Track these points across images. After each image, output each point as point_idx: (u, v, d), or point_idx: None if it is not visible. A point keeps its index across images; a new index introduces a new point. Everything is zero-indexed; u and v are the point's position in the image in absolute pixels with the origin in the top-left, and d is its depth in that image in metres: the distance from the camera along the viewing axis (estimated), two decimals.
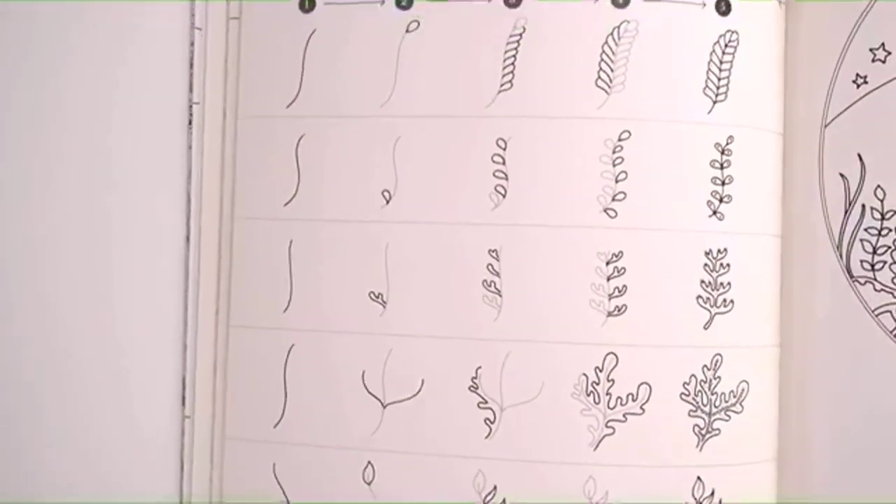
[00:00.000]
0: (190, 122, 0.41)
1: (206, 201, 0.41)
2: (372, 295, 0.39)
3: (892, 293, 0.38)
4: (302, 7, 0.40)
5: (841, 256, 0.39)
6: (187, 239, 0.41)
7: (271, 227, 0.40)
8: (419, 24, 0.39)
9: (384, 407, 0.39)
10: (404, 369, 0.39)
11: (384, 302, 0.39)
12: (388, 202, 0.39)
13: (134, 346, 0.41)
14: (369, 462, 0.39)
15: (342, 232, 0.39)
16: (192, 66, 0.41)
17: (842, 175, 0.39)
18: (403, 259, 0.39)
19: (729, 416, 0.38)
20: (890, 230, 0.38)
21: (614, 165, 0.38)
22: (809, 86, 0.39)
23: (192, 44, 0.41)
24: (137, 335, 0.41)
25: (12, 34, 0.40)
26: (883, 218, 0.38)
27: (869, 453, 0.38)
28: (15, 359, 0.40)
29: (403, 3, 0.39)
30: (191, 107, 0.41)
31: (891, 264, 0.38)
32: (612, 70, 0.38)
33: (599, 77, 0.38)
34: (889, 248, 0.38)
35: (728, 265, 0.38)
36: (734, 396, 0.38)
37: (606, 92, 0.38)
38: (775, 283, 0.39)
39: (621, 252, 0.37)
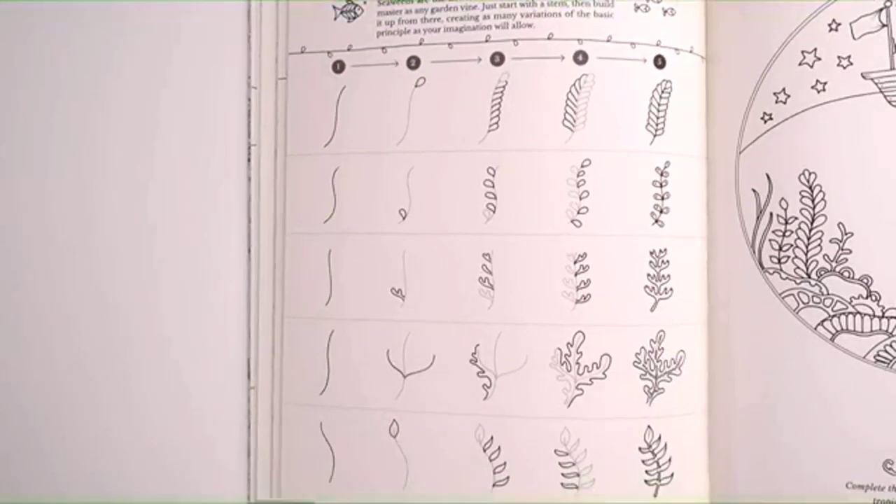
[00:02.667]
0: (249, 160, 0.42)
1: (263, 221, 0.42)
2: (393, 290, 0.40)
3: (794, 280, 0.39)
4: (334, 69, 0.41)
5: (754, 253, 0.40)
6: (248, 250, 0.42)
7: (314, 240, 0.41)
8: (425, 80, 0.40)
9: (405, 377, 0.40)
10: (420, 348, 0.39)
11: (403, 296, 0.40)
12: (404, 218, 0.40)
13: (213, 335, 0.42)
14: (394, 420, 0.40)
15: (369, 242, 0.40)
16: (249, 115, 0.42)
17: (754, 190, 0.40)
18: (417, 262, 0.40)
19: (671, 378, 0.39)
20: (792, 232, 0.39)
21: (578, 186, 0.39)
22: (727, 121, 0.40)
23: (249, 99, 0.42)
24: (217, 326, 0.42)
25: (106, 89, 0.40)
26: (786, 223, 0.39)
27: (778, 405, 0.39)
28: (119, 352, 0.41)
29: (413, 64, 0.40)
30: (249, 148, 0.42)
31: (793, 258, 0.39)
32: (575, 112, 0.39)
33: (565, 118, 0.39)
34: (791, 245, 0.39)
35: (668, 261, 0.39)
36: (674, 363, 0.39)
37: (571, 130, 0.39)
38: (704, 274, 0.40)
39: (585, 253, 0.38)
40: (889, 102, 0.38)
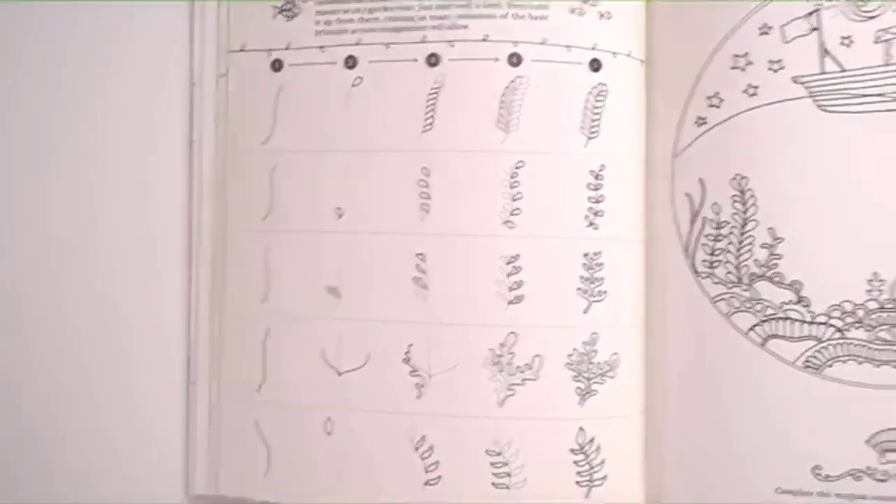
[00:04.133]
0: (190, 155, 0.43)
1: (204, 218, 0.42)
2: (328, 289, 0.40)
3: (725, 285, 0.39)
4: (273, 67, 0.41)
5: (688, 257, 0.40)
6: (189, 247, 0.43)
7: (252, 237, 0.41)
8: (362, 79, 0.40)
9: (339, 375, 0.40)
10: (354, 346, 0.40)
11: (339, 295, 0.40)
12: (340, 217, 0.40)
13: (154, 331, 0.42)
14: (329, 417, 0.40)
15: (305, 240, 0.40)
16: (191, 112, 0.42)
17: (688, 194, 0.40)
18: (353, 261, 0.40)
19: (604, 380, 0.39)
20: (724, 237, 0.39)
21: (512, 188, 0.39)
22: (664, 125, 0.40)
23: (190, 95, 0.42)
24: (158, 322, 0.42)
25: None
26: (718, 228, 0.39)
27: (709, 409, 0.39)
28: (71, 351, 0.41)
29: (350, 64, 0.40)
30: (191, 144, 0.42)
31: (725, 263, 0.39)
32: (509, 114, 0.39)
33: (499, 120, 0.39)
34: (723, 250, 0.39)
35: (602, 264, 0.39)
36: (608, 365, 0.39)
37: (505, 131, 0.39)
38: (640, 277, 0.41)
39: (518, 255, 0.38)
40: (819, 107, 0.38)
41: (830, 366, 0.38)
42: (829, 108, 0.38)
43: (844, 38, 0.38)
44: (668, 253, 0.40)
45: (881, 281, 0.38)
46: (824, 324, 0.38)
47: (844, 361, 0.38)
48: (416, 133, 0.39)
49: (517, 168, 0.39)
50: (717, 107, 0.39)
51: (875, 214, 0.37)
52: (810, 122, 0.38)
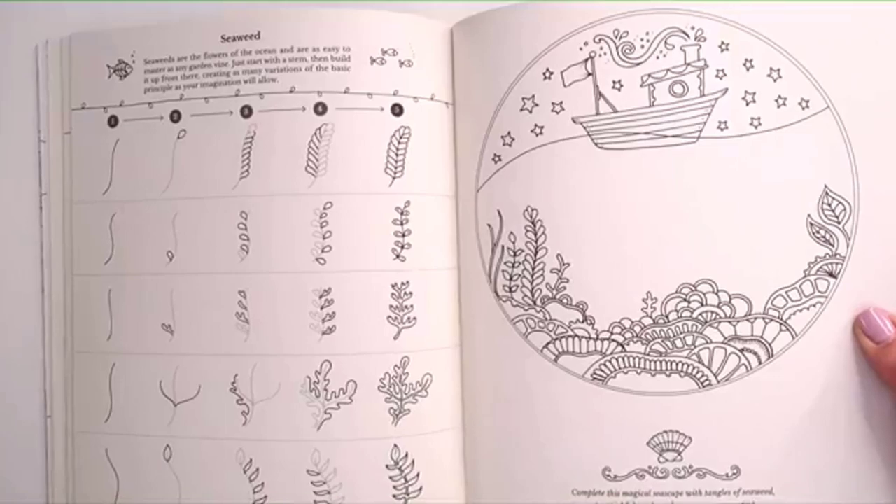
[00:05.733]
0: (41, 207, 0.46)
1: (54, 263, 0.46)
2: (163, 326, 0.44)
3: (522, 307, 0.43)
4: (109, 123, 0.45)
5: (491, 282, 0.44)
6: (42, 291, 0.46)
7: (96, 281, 0.45)
8: (186, 131, 0.44)
9: (175, 406, 0.44)
10: (187, 378, 0.43)
11: (172, 331, 0.44)
12: (171, 260, 0.44)
13: (12, 368, 0.46)
14: (167, 445, 0.43)
15: (142, 282, 0.44)
16: (39, 166, 0.46)
17: (489, 225, 0.43)
18: (183, 300, 0.43)
19: (417, 400, 0.43)
20: (519, 263, 0.43)
21: (322, 227, 0.43)
22: (468, 161, 0.44)
23: (39, 152, 0.46)
24: (15, 360, 0.46)
25: None
26: (515, 255, 0.43)
27: (513, 421, 0.42)
28: None
29: (175, 118, 0.44)
30: (41, 196, 0.46)
31: (521, 287, 0.43)
32: (317, 159, 0.43)
33: (308, 164, 0.43)
34: (519, 275, 0.43)
35: (411, 293, 0.43)
36: (420, 386, 0.43)
37: (314, 175, 0.43)
38: (452, 302, 0.44)
39: (329, 288, 0.42)
40: (595, 144, 0.42)
41: (614, 377, 0.42)
42: (604, 146, 0.42)
43: (616, 82, 0.42)
44: (475, 279, 0.44)
45: (654, 299, 0.41)
46: (607, 339, 0.42)
47: (626, 373, 0.42)
48: (235, 180, 0.43)
49: (326, 209, 0.42)
50: (510, 145, 0.43)
51: (646, 239, 0.41)
52: (588, 158, 0.42)
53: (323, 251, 0.42)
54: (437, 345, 0.43)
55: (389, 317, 0.43)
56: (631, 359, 0.42)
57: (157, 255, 0.44)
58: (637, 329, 0.41)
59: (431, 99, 0.44)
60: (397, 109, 0.43)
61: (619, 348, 0.42)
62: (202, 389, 0.43)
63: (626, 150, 0.42)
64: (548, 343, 0.42)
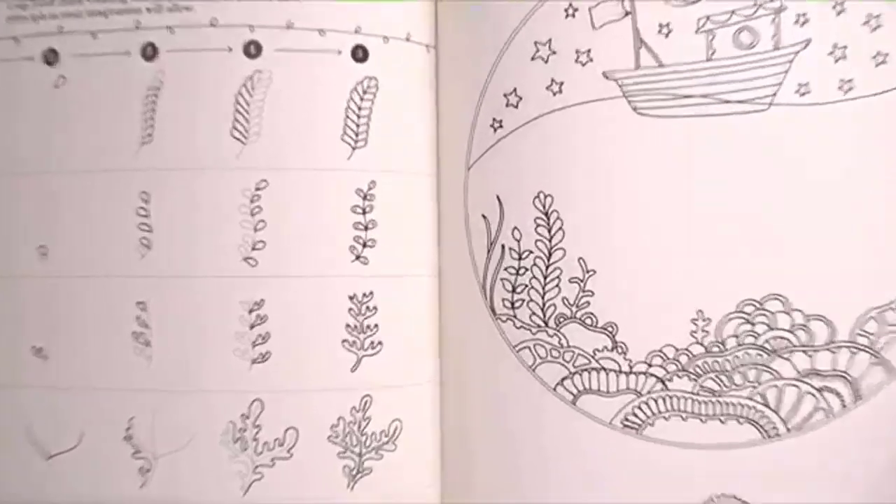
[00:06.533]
0: None
1: None
2: (34, 349, 0.32)
3: (530, 330, 0.32)
4: None
5: (486, 295, 0.32)
6: None
7: None
8: (66, 79, 0.32)
9: (48, 459, 0.32)
10: (66, 420, 0.31)
11: (45, 356, 0.32)
12: (43, 256, 0.32)
13: None
14: None
15: (4, 288, 0.32)
16: None
17: (484, 217, 0.32)
18: (61, 313, 0.31)
19: (381, 455, 0.32)
20: (527, 269, 0.32)
21: (253, 215, 0.31)
22: (456, 128, 0.33)
23: None
24: None
25: None
26: (520, 258, 0.32)
27: (519, 483, 0.32)
28: None
29: (50, 60, 0.32)
30: None
31: (528, 302, 0.32)
32: (247, 120, 0.31)
33: (235, 127, 0.31)
34: (526, 286, 0.32)
35: (375, 308, 0.31)
36: (386, 436, 0.32)
37: (242, 142, 0.31)
38: (430, 321, 0.33)
39: (263, 300, 0.31)
40: (634, 109, 0.32)
41: (652, 424, 0.31)
42: (644, 111, 0.31)
43: (662, 25, 0.31)
44: (463, 290, 0.32)
45: (706, 320, 0.31)
46: (644, 373, 0.31)
47: (667, 418, 0.31)
48: (133, 147, 0.31)
49: (259, 189, 0.31)
50: (516, 106, 0.32)
51: (698, 240, 0.31)
52: (624, 127, 0.30)
53: (254, 248, 0.31)
54: (409, 380, 0.32)
55: (345, 340, 0.31)
56: (675, 400, 0.31)
57: (23, 250, 0.31)
58: (683, 360, 0.31)
59: (407, 40, 0.32)
60: (360, 53, 0.32)
61: (660, 385, 0.31)
62: (85, 437, 0.31)
63: (674, 117, 0.30)
64: (564, 378, 0.31)
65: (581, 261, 0.31)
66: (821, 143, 0.31)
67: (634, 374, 0.31)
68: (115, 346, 0.31)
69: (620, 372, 0.31)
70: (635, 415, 0.31)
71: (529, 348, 0.32)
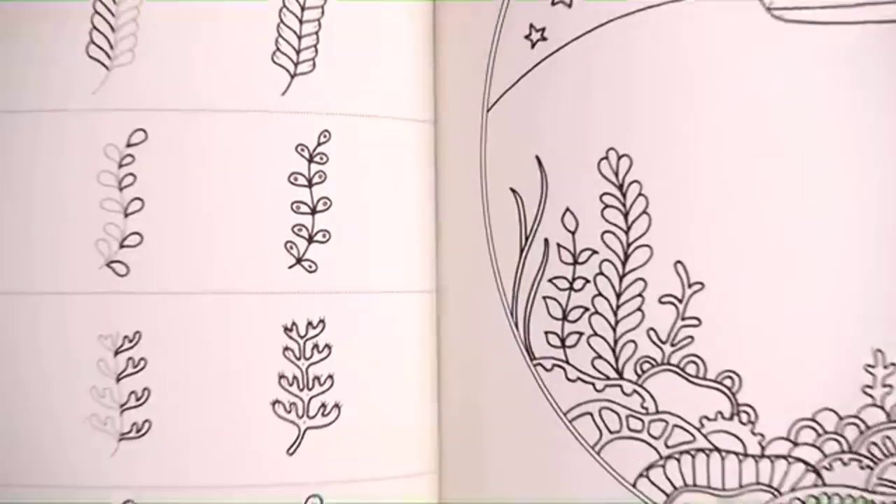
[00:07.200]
0: None
1: None
2: None
3: (593, 384, 0.19)
4: None
5: (517, 325, 0.20)
6: None
7: None
8: None
9: None
10: None
11: None
12: None
13: None
14: None
15: None
16: None
17: (513, 191, 0.20)
18: None
19: None
20: (587, 281, 0.19)
21: (122, 187, 0.19)
22: (467, 44, 0.20)
23: None
24: None
25: None
26: (576, 260, 0.19)
27: None
28: None
29: None
30: None
31: (590, 337, 0.19)
32: (112, 28, 0.19)
33: (93, 41, 0.18)
34: (586, 308, 0.19)
35: (328, 347, 0.19)
36: None
37: (105, 65, 0.19)
38: (423, 371, 0.20)
39: (139, 333, 0.18)
40: (767, 9, 0.20)
41: None
42: (783, 15, 0.20)
43: None
44: (478, 317, 0.20)
45: (889, 367, 0.19)
46: (786, 457, 0.20)
47: None
48: None
49: (133, 145, 0.20)
50: (569, 5, 0.21)
51: (886, 241, 0.18)
52: (752, 39, 0.18)
53: (123, 244, 0.19)
54: (387, 472, 0.20)
55: (277, 402, 0.19)
56: (838, 501, 0.20)
57: None
58: (851, 434, 0.19)
59: None
60: None
61: (812, 477, 0.20)
62: None
63: (826, 23, 0.19)
64: (651, 466, 0.19)
65: (680, 267, 0.20)
66: None
67: (769, 459, 0.20)
68: None
69: (747, 455, 0.19)
70: None
71: (592, 415, 0.20)
